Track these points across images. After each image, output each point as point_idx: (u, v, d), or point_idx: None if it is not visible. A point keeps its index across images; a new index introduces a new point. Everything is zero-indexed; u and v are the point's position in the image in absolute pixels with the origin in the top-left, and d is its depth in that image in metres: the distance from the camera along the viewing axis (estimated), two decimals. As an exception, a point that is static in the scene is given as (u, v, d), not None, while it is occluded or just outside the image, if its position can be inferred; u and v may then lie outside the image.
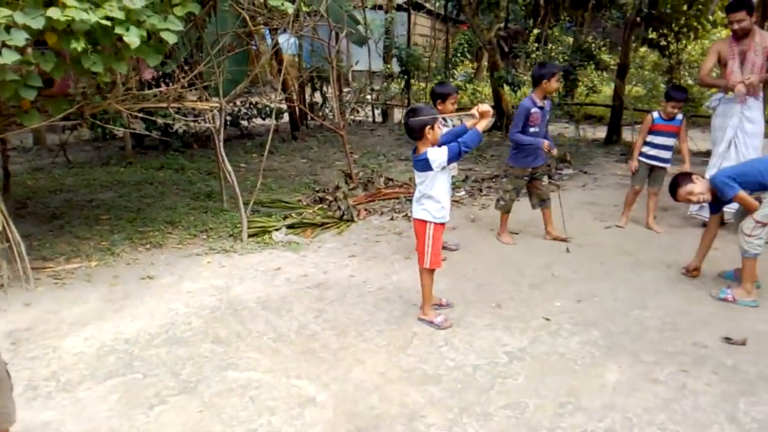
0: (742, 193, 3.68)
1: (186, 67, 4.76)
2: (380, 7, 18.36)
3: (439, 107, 4.30)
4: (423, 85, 15.36)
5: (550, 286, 4.09)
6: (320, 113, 11.31)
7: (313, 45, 11.67)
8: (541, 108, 4.65)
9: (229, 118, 10.48)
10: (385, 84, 13.51)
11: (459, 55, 14.74)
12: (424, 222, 3.44)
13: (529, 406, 2.69)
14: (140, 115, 4.39)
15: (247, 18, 4.45)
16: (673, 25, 7.85)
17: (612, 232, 5.31)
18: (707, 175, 5.17)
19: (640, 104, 13.20)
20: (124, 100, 4.07)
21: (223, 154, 5.01)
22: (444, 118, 4.31)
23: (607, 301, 3.85)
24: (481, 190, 6.74)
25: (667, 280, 4.17)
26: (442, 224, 3.50)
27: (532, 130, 4.66)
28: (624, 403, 2.71)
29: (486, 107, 3.40)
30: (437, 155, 3.26)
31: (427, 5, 19.83)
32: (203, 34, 5.04)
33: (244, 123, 10.49)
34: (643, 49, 12.70)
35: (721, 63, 5.21)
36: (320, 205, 5.81)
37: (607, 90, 11.44)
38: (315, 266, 4.44)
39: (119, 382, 2.90)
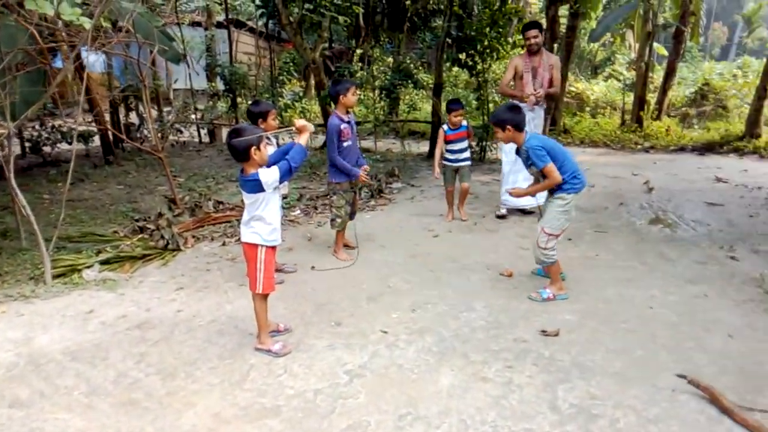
0: (552, 167, 3.92)
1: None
2: (199, 24, 17.71)
3: (262, 126, 4.19)
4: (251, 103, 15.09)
5: (387, 298, 4.17)
6: (138, 135, 10.50)
7: (127, 63, 10.86)
8: (348, 122, 4.78)
9: (28, 144, 9.28)
10: (211, 103, 13.00)
11: (285, 73, 14.71)
12: (255, 246, 3.30)
13: (370, 424, 2.67)
14: None
15: (36, 34, 3.94)
16: (478, 46, 8.58)
17: (440, 240, 5.59)
18: (505, 181, 6.25)
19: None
20: None
21: (15, 185, 4.36)
22: (269, 137, 4.24)
23: (438, 306, 4.01)
24: (316, 208, 6.71)
25: (489, 282, 4.47)
26: (274, 247, 3.38)
27: (345, 144, 4.76)
28: (458, 406, 2.81)
29: (302, 122, 3.37)
30: (269, 176, 3.15)
31: (249, 23, 19.57)
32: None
33: (48, 149, 9.33)
34: (455, 69, 13.76)
35: (517, 76, 6.23)
36: (141, 236, 5.33)
37: (427, 107, 12.17)
38: (135, 304, 4.04)
39: None
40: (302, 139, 3.34)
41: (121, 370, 3.16)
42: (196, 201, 6.48)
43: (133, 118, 11.05)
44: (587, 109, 15.80)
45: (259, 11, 9.82)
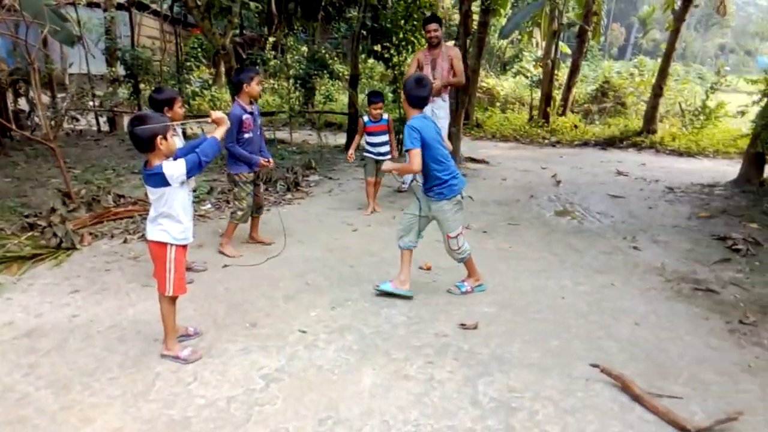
0: (416, 152, 3.66)
1: None
2: (98, 5, 16.49)
3: (168, 114, 3.89)
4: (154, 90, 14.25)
5: (305, 296, 4.02)
6: (28, 123, 9.60)
7: (15, 44, 9.90)
8: (251, 113, 4.59)
9: None
10: (110, 89, 12.13)
11: (193, 59, 14.02)
12: (164, 244, 3.03)
13: (289, 431, 2.53)
14: None
15: None
16: (394, 39, 8.55)
17: (359, 234, 5.50)
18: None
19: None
20: None
21: None
22: (175, 127, 3.96)
23: (359, 303, 3.92)
24: (228, 202, 6.40)
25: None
26: (185, 246, 3.14)
27: (246, 136, 4.57)
28: (380, 406, 2.73)
29: (219, 114, 3.18)
30: (174, 169, 2.90)
31: (153, 6, 18.48)
32: None
33: None
34: (371, 61, 13.70)
35: (420, 68, 6.57)
36: (30, 233, 4.84)
37: (344, 98, 12.03)
38: (24, 310, 3.64)
39: None
40: (218, 132, 3.11)
41: (7, 384, 2.82)
42: (93, 195, 5.98)
43: (23, 104, 10.09)
44: (498, 104, 16.29)
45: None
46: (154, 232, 3.03)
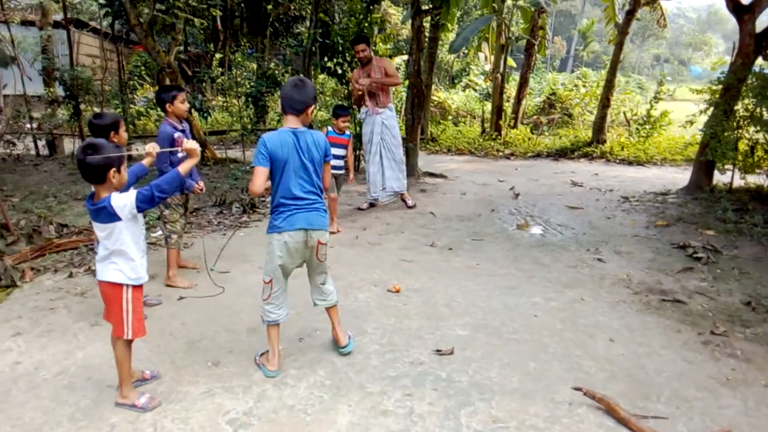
0: (257, 171, 2.99)
1: None
2: (32, 24, 15.75)
3: (115, 139, 3.64)
4: (98, 110, 13.66)
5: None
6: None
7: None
8: (183, 131, 4.40)
9: None
10: (49, 110, 11.53)
11: (136, 78, 13.53)
12: (119, 285, 2.76)
13: (265, 485, 2.32)
14: None
15: None
16: (347, 54, 8.44)
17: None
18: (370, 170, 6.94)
19: (322, 127, 14.11)
20: None
21: None
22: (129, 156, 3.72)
23: (329, 333, 3.71)
24: (191, 224, 6.08)
25: (377, 300, 4.27)
26: (141, 285, 2.87)
27: (180, 154, 4.34)
28: (362, 449, 2.56)
29: (193, 144, 2.92)
30: (123, 200, 2.65)
31: (92, 24, 17.85)
32: None
33: None
34: (322, 76, 13.54)
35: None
36: (-38, 272, 4.43)
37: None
38: (-44, 360, 3.28)
39: None
40: (185, 165, 2.87)
41: (-66, 454, 2.50)
42: (34, 225, 5.57)
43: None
44: (449, 117, 16.41)
45: (104, 10, 8.83)
46: (106, 272, 2.75)
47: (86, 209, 2.80)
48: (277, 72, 10.04)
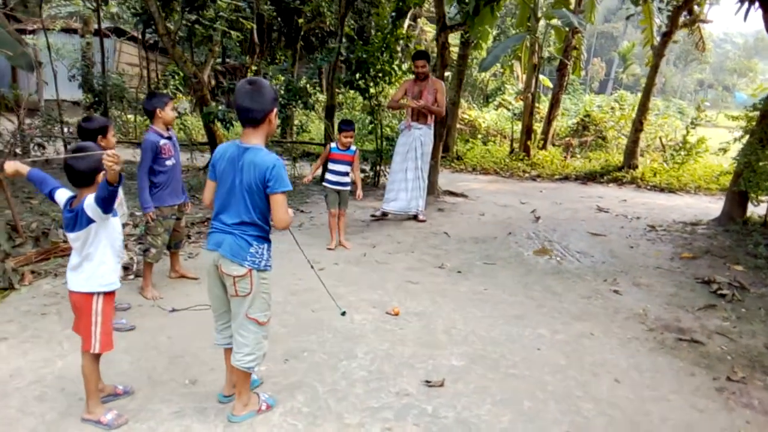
0: (207, 184, 2.84)
1: None
2: (75, 31, 16.29)
3: (103, 143, 3.62)
4: (131, 117, 13.95)
5: (256, 345, 3.66)
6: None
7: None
8: (170, 138, 4.32)
9: None
10: (85, 115, 11.83)
11: (170, 86, 13.78)
12: (89, 295, 2.68)
13: None
14: None
15: None
16: (371, 70, 8.37)
17: (325, 274, 5.13)
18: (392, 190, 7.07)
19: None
20: None
21: None
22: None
23: (316, 355, 3.58)
24: (189, 237, 6.05)
25: (374, 323, 4.10)
26: (113, 293, 2.79)
27: (168, 162, 4.29)
28: (327, 487, 2.38)
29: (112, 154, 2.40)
30: (90, 199, 2.57)
31: (132, 32, 18.32)
32: None
33: None
34: (353, 92, 13.56)
35: (407, 96, 7.00)
36: (-36, 272, 4.44)
37: (320, 127, 11.81)
38: (-65, 364, 3.24)
39: None
40: (108, 175, 2.42)
41: None
42: (45, 228, 5.60)
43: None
44: (479, 136, 16.19)
45: (136, 18, 9.00)
46: (76, 281, 2.68)
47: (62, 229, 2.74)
48: (299, 85, 10.05)
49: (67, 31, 16.52)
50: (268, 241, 2.77)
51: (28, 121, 10.58)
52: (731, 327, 4.28)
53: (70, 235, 2.67)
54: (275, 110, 2.68)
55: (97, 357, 2.77)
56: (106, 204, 2.52)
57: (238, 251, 2.63)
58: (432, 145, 7.21)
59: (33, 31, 15.87)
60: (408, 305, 4.44)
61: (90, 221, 2.61)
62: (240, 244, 2.64)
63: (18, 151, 9.76)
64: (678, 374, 3.54)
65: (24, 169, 2.89)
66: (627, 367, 3.59)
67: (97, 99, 9.86)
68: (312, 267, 3.91)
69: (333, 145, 5.90)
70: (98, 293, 2.70)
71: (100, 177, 2.61)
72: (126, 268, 4.94)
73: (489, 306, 4.53)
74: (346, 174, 5.92)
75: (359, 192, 6.01)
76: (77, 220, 2.62)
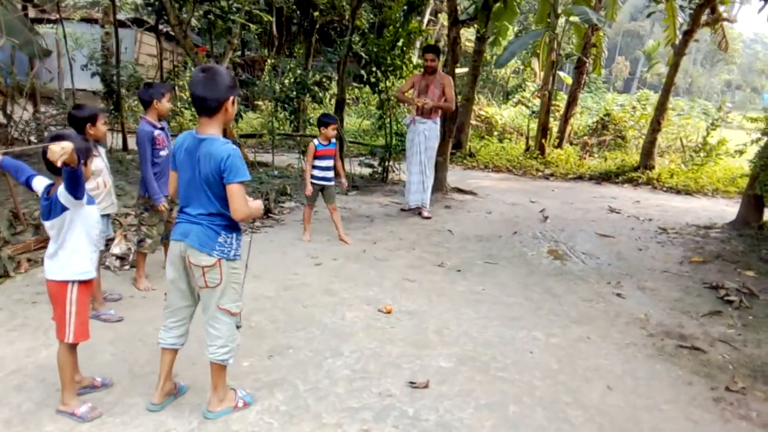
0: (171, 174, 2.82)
1: None
2: (95, 21, 16.45)
3: (92, 131, 3.62)
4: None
5: (243, 341, 3.54)
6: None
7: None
8: (162, 129, 4.27)
9: None
10: (103, 105, 11.92)
11: (185, 78, 13.84)
12: (64, 283, 2.67)
13: None
14: None
15: None
16: (381, 65, 8.28)
17: (321, 269, 5.10)
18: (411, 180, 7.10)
19: (367, 138, 13.99)
20: None
21: None
22: (98, 146, 3.71)
23: (301, 352, 3.52)
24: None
25: (364, 320, 4.03)
26: (89, 282, 2.76)
27: (162, 153, 4.24)
28: (294, 488, 2.32)
29: (57, 146, 2.28)
30: (62, 187, 2.54)
31: (151, 22, 18.41)
32: None
33: None
34: (367, 87, 13.47)
35: (414, 90, 7.02)
36: (-38, 258, 4.48)
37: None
38: None
39: None
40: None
41: None
42: (47, 216, 5.62)
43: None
44: (495, 133, 16.00)
45: (149, 8, 9.03)
46: (52, 269, 2.67)
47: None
48: (314, 79, 10.00)
49: (88, 21, 16.69)
50: (238, 230, 2.71)
51: (43, 109, 10.70)
52: (736, 335, 4.13)
53: (46, 223, 2.66)
54: (232, 98, 2.58)
55: (73, 347, 2.75)
56: (72, 187, 2.48)
57: (206, 241, 2.57)
58: (438, 141, 7.13)
59: (54, 21, 16.05)
60: (402, 303, 4.36)
61: (64, 209, 2.59)
62: (208, 233, 2.58)
63: (33, 138, 9.87)
64: (675, 383, 3.41)
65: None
66: (621, 374, 3.47)
67: (108, 89, 9.90)
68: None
69: (317, 142, 5.82)
70: (73, 281, 2.68)
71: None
72: (122, 258, 4.95)
73: (485, 307, 4.43)
74: (331, 168, 5.91)
75: (344, 180, 6.19)
76: (52, 207, 2.61)
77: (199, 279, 2.64)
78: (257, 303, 4.21)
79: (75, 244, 2.67)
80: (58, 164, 2.29)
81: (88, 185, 3.70)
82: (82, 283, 2.71)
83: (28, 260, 4.67)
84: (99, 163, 3.76)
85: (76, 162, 2.37)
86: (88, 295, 2.79)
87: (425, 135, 6.94)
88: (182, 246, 2.62)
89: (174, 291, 2.76)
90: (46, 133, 10.20)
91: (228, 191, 2.51)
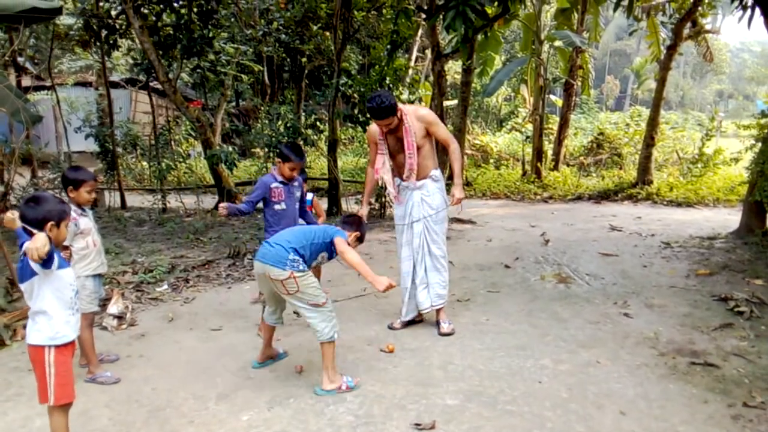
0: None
1: None
2: (90, 84, 16.81)
3: (72, 195, 3.57)
4: (145, 164, 14.17)
5: (242, 393, 3.52)
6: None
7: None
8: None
9: None
10: (100, 166, 12.05)
11: (182, 131, 14.01)
12: (40, 348, 2.62)
13: None
14: None
15: None
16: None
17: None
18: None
19: (362, 176, 14.04)
20: None
21: None
22: (83, 210, 3.65)
23: (302, 400, 3.42)
24: (188, 281, 5.98)
25: (366, 362, 3.94)
26: (69, 344, 2.69)
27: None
28: None
29: (33, 245, 2.39)
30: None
31: (143, 81, 18.79)
32: None
33: None
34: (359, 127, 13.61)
35: (381, 149, 4.54)
36: (-43, 330, 4.42)
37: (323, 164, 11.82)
38: None
39: None
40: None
41: None
42: (44, 281, 5.58)
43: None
44: (491, 160, 16.06)
45: (137, 67, 9.21)
46: (30, 334, 2.64)
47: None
48: (308, 122, 10.08)
49: (83, 84, 17.03)
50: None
51: (40, 174, 10.82)
52: (749, 347, 4.00)
53: (21, 286, 2.62)
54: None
55: (63, 410, 2.67)
56: (42, 263, 2.47)
57: (273, 257, 3.36)
58: (444, 202, 4.59)
59: (49, 87, 16.42)
60: (404, 341, 4.27)
61: (33, 273, 2.54)
62: (274, 248, 3.41)
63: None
64: (690, 402, 3.29)
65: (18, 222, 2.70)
66: (634, 397, 3.35)
67: (103, 149, 10.02)
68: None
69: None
70: (49, 346, 2.62)
71: (48, 227, 2.56)
72: (120, 318, 4.88)
73: (490, 337, 4.33)
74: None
75: (322, 218, 5.35)
76: (23, 270, 2.56)
77: (288, 289, 3.38)
78: (256, 353, 4.11)
79: (47, 308, 2.61)
80: (36, 260, 2.40)
81: (78, 245, 3.68)
82: (58, 347, 2.65)
83: (24, 327, 4.60)
84: (87, 222, 3.72)
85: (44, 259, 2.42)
86: (69, 356, 2.71)
87: (426, 202, 4.48)
88: (263, 266, 3.41)
89: (269, 295, 3.69)
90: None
91: None
